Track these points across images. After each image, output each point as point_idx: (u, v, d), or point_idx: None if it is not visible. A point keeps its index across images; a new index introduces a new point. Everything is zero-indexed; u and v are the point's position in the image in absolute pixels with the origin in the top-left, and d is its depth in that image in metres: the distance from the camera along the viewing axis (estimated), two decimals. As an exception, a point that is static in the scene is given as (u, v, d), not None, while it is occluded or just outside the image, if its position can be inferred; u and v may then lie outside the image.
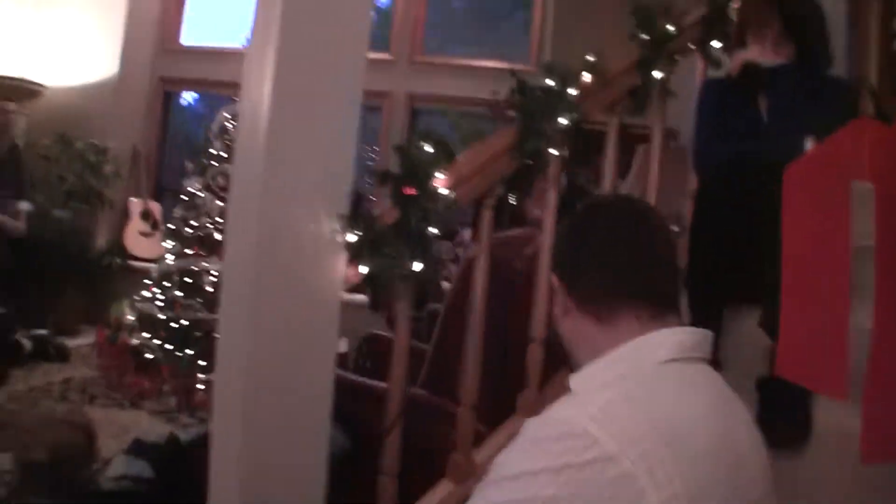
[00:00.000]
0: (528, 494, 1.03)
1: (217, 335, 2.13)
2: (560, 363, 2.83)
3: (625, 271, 1.31)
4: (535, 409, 2.60)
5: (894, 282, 0.94)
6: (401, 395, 2.27)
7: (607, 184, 2.95)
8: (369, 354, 4.31)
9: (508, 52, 7.13)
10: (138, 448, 2.90)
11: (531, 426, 1.12)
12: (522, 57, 6.94)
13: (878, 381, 0.95)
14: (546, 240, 2.65)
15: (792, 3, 2.96)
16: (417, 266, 2.09)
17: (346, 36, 2.10)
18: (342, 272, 2.04)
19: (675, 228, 4.28)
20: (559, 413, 1.11)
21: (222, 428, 2.10)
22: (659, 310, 1.27)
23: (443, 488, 2.33)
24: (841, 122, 2.74)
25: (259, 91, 1.99)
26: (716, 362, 1.35)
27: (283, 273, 1.98)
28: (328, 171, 2.05)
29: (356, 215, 2.03)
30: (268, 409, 2.00)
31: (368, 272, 2.05)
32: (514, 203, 2.51)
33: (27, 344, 5.44)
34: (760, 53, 2.94)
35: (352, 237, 2.01)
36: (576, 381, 1.25)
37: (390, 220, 2.10)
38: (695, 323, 2.73)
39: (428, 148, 2.15)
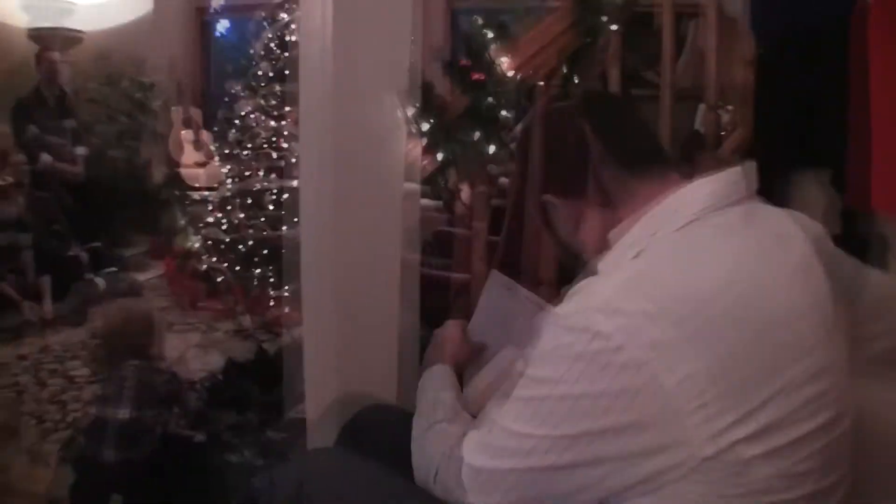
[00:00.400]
0: (556, 392, 1.01)
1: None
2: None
3: (624, 148, 1.25)
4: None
5: None
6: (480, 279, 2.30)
7: (665, 60, 2.92)
8: (436, 254, 4.36)
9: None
10: (234, 367, 2.97)
11: (549, 327, 1.06)
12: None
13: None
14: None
15: None
16: (492, 149, 2.12)
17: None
18: (418, 159, 2.06)
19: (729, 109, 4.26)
20: (567, 308, 1.05)
21: (314, 334, 2.13)
22: (671, 171, 1.23)
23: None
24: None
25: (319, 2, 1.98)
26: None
27: (359, 165, 1.99)
28: (395, 63, 2.04)
29: (428, 105, 2.04)
30: (357, 309, 2.03)
31: (443, 158, 2.07)
32: (577, 81, 2.50)
33: (100, 282, 5.58)
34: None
35: (425, 126, 2.03)
36: (602, 264, 1.17)
37: (461, 107, 2.12)
38: (762, 190, 2.74)
39: (490, 34, 2.15)
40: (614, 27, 2.53)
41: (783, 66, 2.77)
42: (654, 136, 1.35)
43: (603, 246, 1.21)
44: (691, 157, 3.97)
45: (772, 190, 2.62)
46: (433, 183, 2.20)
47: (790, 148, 2.78)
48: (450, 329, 1.64)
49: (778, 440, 0.96)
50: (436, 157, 2.09)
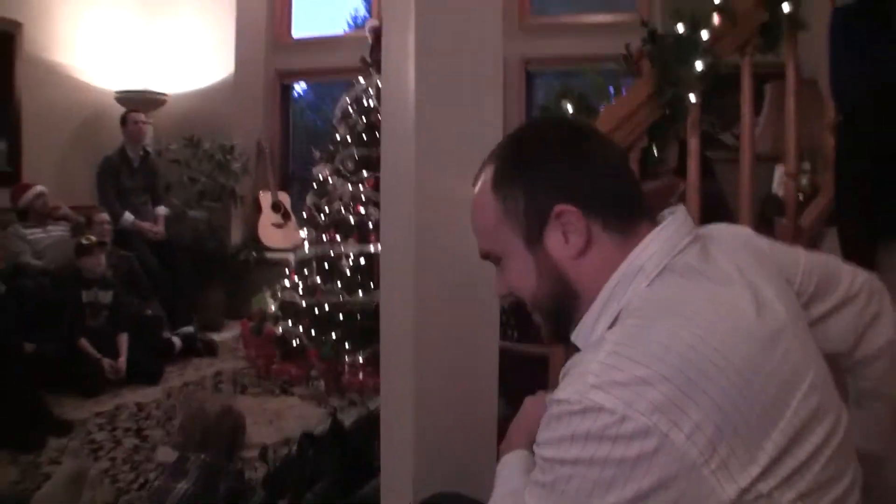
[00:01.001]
0: (577, 472, 0.99)
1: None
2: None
3: (625, 175, 1.24)
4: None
5: None
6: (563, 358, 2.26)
7: (745, 122, 2.87)
8: (513, 324, 4.33)
9: (615, 4, 6.99)
10: (308, 440, 2.96)
11: (554, 414, 1.03)
12: (628, 7, 6.78)
13: None
14: (691, 187, 2.61)
15: None
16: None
17: (480, 3, 2.07)
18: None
19: (807, 166, 4.17)
20: (566, 393, 1.02)
21: (392, 409, 2.12)
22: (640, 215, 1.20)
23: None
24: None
25: (402, 72, 1.98)
26: None
27: (442, 249, 1.98)
28: (478, 143, 2.03)
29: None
30: (436, 387, 2.01)
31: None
32: (657, 153, 2.46)
33: (177, 342, 5.68)
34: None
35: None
36: (580, 337, 1.19)
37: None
38: (846, 259, 2.66)
39: (569, 106, 2.13)
40: (693, 98, 2.48)
41: (867, 131, 2.69)
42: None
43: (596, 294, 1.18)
44: (769, 221, 3.90)
45: (858, 258, 2.54)
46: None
47: (874, 216, 2.70)
48: (529, 406, 1.51)
49: (792, 464, 0.98)
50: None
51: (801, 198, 3.41)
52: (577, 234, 1.16)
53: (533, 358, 2.64)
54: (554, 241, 1.18)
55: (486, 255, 1.28)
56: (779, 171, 4.24)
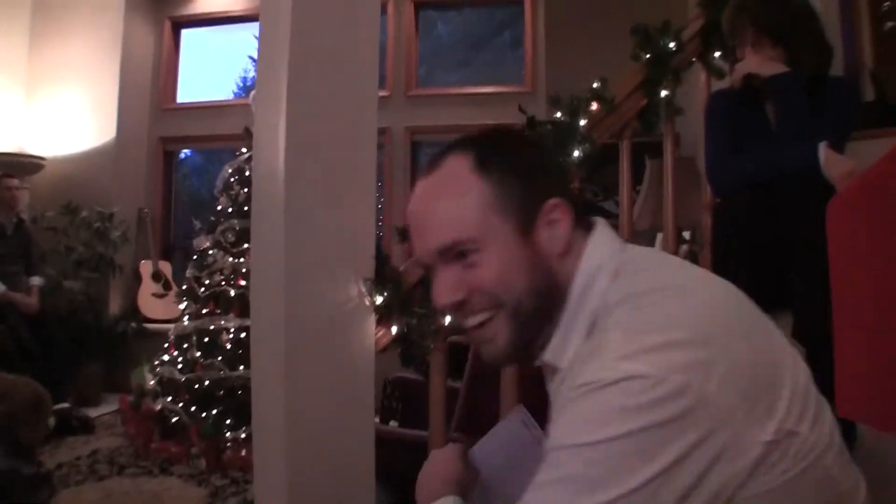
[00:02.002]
0: (616, 447, 0.95)
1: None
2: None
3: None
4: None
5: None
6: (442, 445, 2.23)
7: (624, 202, 2.93)
8: (397, 397, 4.30)
9: (499, 74, 7.13)
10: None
11: (584, 396, 0.99)
12: (517, 78, 6.93)
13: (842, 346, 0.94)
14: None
15: (758, 11, 2.90)
16: (448, 320, 2.07)
17: (358, 80, 2.08)
18: (372, 333, 2.02)
19: (687, 237, 4.27)
20: (591, 373, 0.99)
21: (265, 496, 2.07)
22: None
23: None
24: (848, 121, 2.72)
25: (272, 147, 1.97)
26: None
27: (312, 337, 1.97)
28: (351, 228, 2.02)
29: (382, 275, 2.00)
30: (309, 473, 1.98)
31: (398, 332, 2.03)
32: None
33: (51, 420, 5.41)
34: (759, 64, 2.88)
35: (379, 298, 1.99)
36: (552, 353, 1.16)
37: (416, 276, 2.08)
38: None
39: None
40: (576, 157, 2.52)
41: (741, 216, 2.77)
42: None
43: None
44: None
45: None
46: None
47: (750, 294, 2.75)
48: (440, 455, 1.40)
49: (801, 399, 1.03)
50: (390, 329, 2.04)
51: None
52: (564, 231, 1.14)
53: (415, 443, 2.60)
54: (544, 235, 1.14)
55: (447, 249, 1.14)
56: (659, 239, 4.33)
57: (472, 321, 1.17)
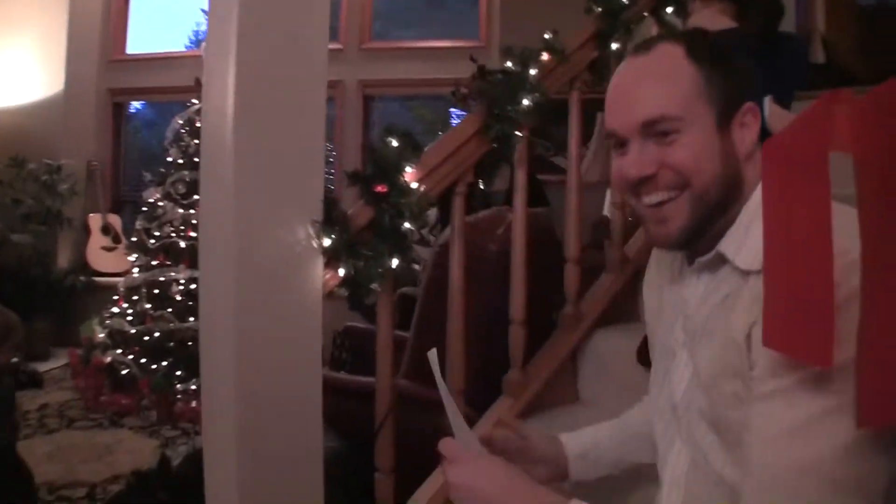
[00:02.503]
0: None
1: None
2: (540, 338, 2.84)
3: None
4: (520, 390, 2.62)
5: (878, 246, 0.93)
6: (389, 391, 2.26)
7: (572, 154, 2.95)
8: (347, 347, 4.31)
9: (457, 31, 7.09)
10: (137, 480, 2.86)
11: None
12: (472, 33, 6.90)
13: (869, 345, 0.94)
14: (518, 219, 2.65)
15: None
16: (395, 263, 2.08)
17: (307, 31, 2.06)
18: (320, 276, 2.02)
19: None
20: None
21: (214, 443, 2.07)
22: None
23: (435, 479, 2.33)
24: (794, 78, 2.76)
25: (221, 95, 1.95)
26: None
27: (262, 282, 1.95)
28: (299, 176, 2.02)
29: (330, 218, 2.00)
30: (259, 419, 1.98)
31: (346, 275, 2.03)
32: (484, 188, 2.48)
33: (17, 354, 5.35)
34: (709, 18, 2.90)
35: (327, 241, 1.99)
36: (730, 243, 1.17)
37: (364, 220, 2.08)
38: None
39: (394, 143, 2.13)
40: (520, 133, 2.52)
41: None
42: None
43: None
44: (599, 243, 3.99)
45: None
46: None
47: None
48: (490, 469, 1.23)
49: None
50: (338, 272, 2.04)
51: (633, 219, 3.50)
52: (752, 136, 1.18)
53: (362, 389, 2.62)
54: (737, 134, 1.18)
55: (652, 123, 1.17)
56: (610, 195, 4.36)
57: (654, 198, 1.19)
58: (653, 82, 1.19)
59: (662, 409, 1.33)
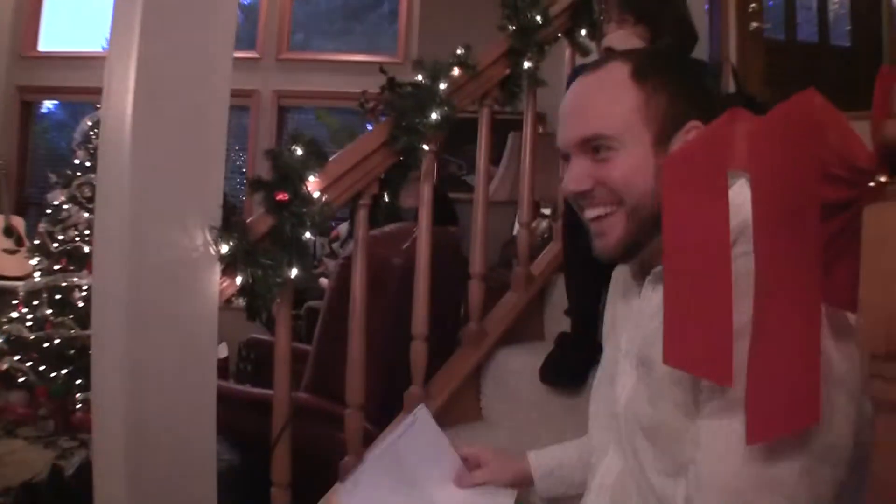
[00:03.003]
0: None
1: (92, 354, 2.04)
2: (444, 355, 2.84)
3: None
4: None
5: (771, 266, 0.95)
6: (286, 404, 2.23)
7: (480, 170, 2.95)
8: (250, 359, 4.26)
9: (376, 45, 7.11)
10: (26, 491, 2.77)
11: None
12: (390, 49, 6.93)
13: (759, 363, 0.96)
14: (423, 234, 2.65)
15: None
16: (294, 272, 2.06)
17: (212, 37, 2.03)
18: (216, 283, 1.99)
19: (548, 212, 4.34)
20: None
21: (105, 452, 2.02)
22: None
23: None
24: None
25: (121, 98, 1.92)
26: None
27: (157, 289, 1.91)
28: (198, 181, 1.98)
29: (228, 225, 1.97)
30: (150, 429, 1.93)
31: (243, 283, 2.00)
32: (389, 200, 2.47)
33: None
34: (622, 40, 2.94)
35: (225, 248, 1.96)
36: None
37: (264, 227, 2.06)
38: (573, 306, 2.77)
39: (299, 151, 2.11)
40: (426, 147, 2.53)
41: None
42: None
43: None
44: (508, 263, 4.01)
45: (584, 304, 2.66)
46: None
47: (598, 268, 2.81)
48: None
49: None
50: (235, 280, 2.01)
51: (542, 239, 3.54)
52: None
53: (259, 401, 2.59)
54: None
55: (586, 140, 1.22)
56: (518, 216, 4.39)
57: (592, 213, 1.25)
58: (594, 101, 1.25)
59: (599, 415, 1.40)
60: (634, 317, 1.30)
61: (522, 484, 1.58)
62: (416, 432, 1.59)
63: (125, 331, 1.88)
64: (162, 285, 1.92)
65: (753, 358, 0.96)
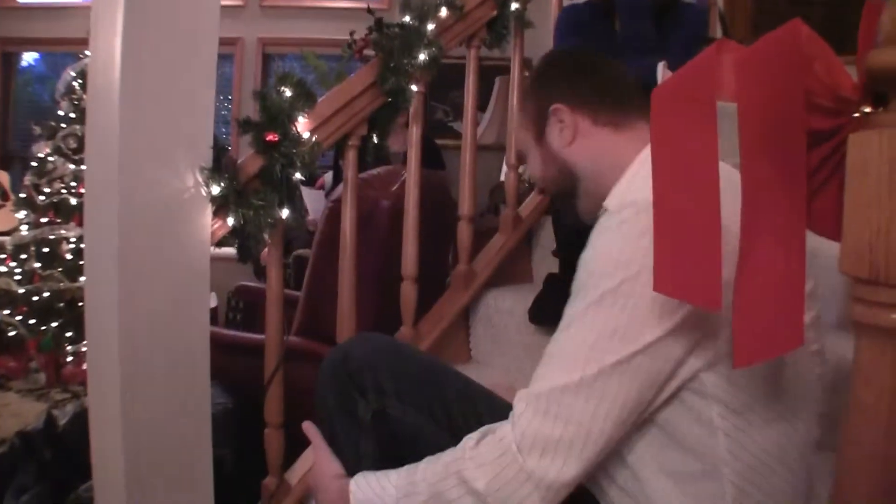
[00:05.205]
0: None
1: (83, 303, 2.04)
2: (433, 298, 2.85)
3: (623, 78, 1.51)
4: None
5: (757, 194, 0.96)
6: (278, 346, 2.24)
7: (468, 110, 2.95)
8: (239, 308, 4.27)
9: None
10: (20, 441, 2.78)
11: (589, 275, 1.26)
12: (375, -6, 6.83)
13: (746, 289, 0.98)
14: (412, 175, 2.65)
15: None
16: (285, 213, 2.06)
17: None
18: (209, 226, 1.99)
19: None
20: (609, 248, 1.19)
21: (98, 399, 2.03)
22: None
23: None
24: (690, 45, 2.80)
25: (109, 44, 1.89)
26: None
27: (148, 232, 1.91)
28: (187, 124, 1.97)
29: (219, 166, 1.97)
30: (144, 374, 1.94)
31: (235, 224, 2.00)
32: (377, 141, 2.47)
33: None
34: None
35: (216, 189, 1.95)
36: (614, 202, 1.26)
37: (254, 168, 2.05)
38: (560, 246, 2.79)
39: (287, 92, 2.10)
40: (415, 88, 2.52)
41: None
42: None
43: (597, 176, 1.45)
44: (496, 208, 4.02)
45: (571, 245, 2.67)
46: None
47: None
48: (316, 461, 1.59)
49: None
50: (227, 221, 2.01)
51: (528, 186, 3.54)
52: (567, 127, 1.47)
53: (251, 346, 2.59)
54: (552, 134, 1.50)
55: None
56: (506, 158, 4.39)
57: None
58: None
59: None
60: None
61: None
62: None
63: (118, 274, 1.87)
64: (154, 228, 1.91)
65: (740, 283, 0.98)
